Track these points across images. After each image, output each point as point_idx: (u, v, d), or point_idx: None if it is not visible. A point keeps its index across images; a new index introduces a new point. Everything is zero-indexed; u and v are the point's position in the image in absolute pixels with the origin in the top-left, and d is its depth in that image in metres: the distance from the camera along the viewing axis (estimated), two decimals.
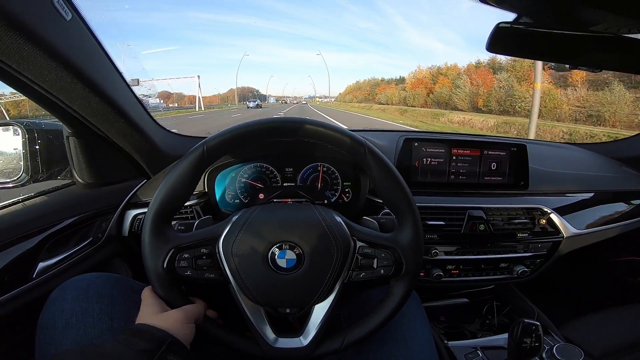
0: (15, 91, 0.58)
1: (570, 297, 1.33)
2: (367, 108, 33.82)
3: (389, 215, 0.63)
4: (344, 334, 0.56)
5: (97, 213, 0.82)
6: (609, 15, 0.58)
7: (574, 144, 1.42)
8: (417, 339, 0.64)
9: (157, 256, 0.52)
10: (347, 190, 0.99)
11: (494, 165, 0.96)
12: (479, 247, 0.95)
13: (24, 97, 0.60)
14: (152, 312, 0.50)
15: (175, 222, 0.60)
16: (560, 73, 16.73)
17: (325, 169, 0.98)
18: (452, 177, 0.95)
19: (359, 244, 0.55)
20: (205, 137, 0.55)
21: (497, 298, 1.10)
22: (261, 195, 0.96)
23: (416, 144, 0.93)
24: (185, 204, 0.86)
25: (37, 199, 0.75)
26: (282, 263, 0.52)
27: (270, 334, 0.55)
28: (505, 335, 0.76)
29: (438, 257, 0.91)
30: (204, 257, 0.53)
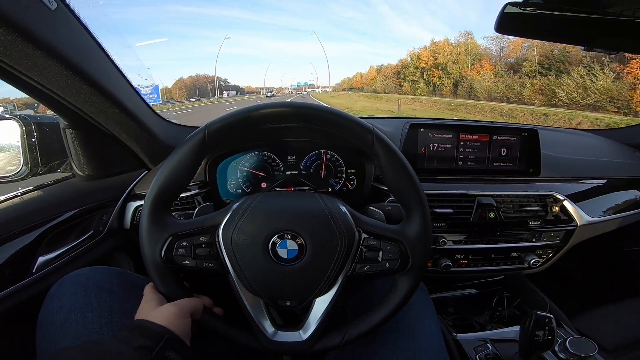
0: None
1: (583, 288, 1.30)
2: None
3: (395, 203, 0.61)
4: (345, 329, 0.54)
5: (98, 205, 0.81)
6: None
7: (587, 130, 1.38)
8: (425, 331, 0.62)
9: (154, 244, 0.50)
10: (351, 177, 0.97)
11: (503, 151, 0.93)
12: (489, 235, 0.92)
13: None
14: (150, 308, 0.49)
15: (175, 213, 0.59)
16: None
17: (328, 156, 0.96)
18: (460, 163, 0.92)
19: (364, 235, 0.53)
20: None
21: (507, 289, 1.07)
22: (264, 184, 0.94)
23: (422, 129, 0.90)
24: (187, 194, 0.85)
25: (36, 192, 0.74)
26: (283, 253, 0.51)
27: (269, 327, 0.54)
28: (516, 328, 0.74)
29: (446, 247, 0.88)
30: (203, 246, 0.51)
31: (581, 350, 0.68)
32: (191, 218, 0.58)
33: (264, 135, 0.91)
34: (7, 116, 0.74)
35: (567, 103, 15.98)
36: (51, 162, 0.78)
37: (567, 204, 0.93)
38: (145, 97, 0.82)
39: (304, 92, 61.30)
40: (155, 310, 0.48)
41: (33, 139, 0.73)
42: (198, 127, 0.53)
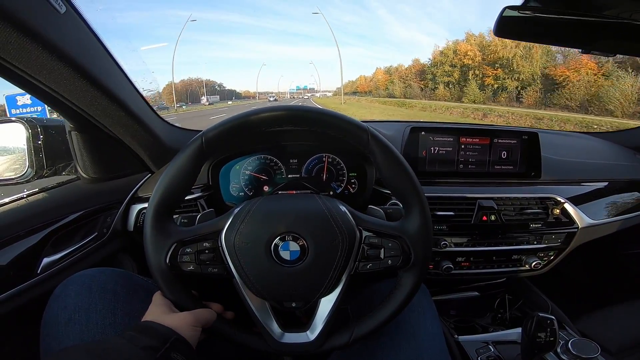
0: None
1: (585, 290, 1.29)
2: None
3: (397, 206, 0.61)
4: (351, 328, 0.55)
5: (102, 208, 0.81)
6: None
7: (588, 132, 1.39)
8: (427, 333, 0.62)
9: (159, 251, 0.51)
10: (352, 181, 0.98)
11: (504, 154, 0.93)
12: (490, 238, 0.92)
13: None
14: (160, 312, 0.49)
15: (177, 215, 0.59)
16: None
17: (330, 159, 0.96)
18: (461, 166, 0.93)
19: (365, 233, 0.53)
20: None
21: (509, 291, 1.07)
22: (266, 187, 0.95)
23: (423, 133, 0.91)
24: (190, 198, 0.86)
25: (41, 194, 0.75)
26: (285, 255, 0.51)
27: (276, 329, 0.54)
28: (518, 330, 0.74)
29: (447, 249, 0.89)
30: (207, 252, 0.52)
31: (584, 352, 0.67)
32: (193, 220, 0.58)
33: (263, 138, 0.92)
34: (14, 118, 0.75)
35: None
36: (56, 164, 0.79)
37: (568, 207, 0.93)
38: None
39: (305, 97, 59.39)
40: (169, 315, 0.48)
41: (39, 142, 0.74)
42: (201, 130, 0.53)
